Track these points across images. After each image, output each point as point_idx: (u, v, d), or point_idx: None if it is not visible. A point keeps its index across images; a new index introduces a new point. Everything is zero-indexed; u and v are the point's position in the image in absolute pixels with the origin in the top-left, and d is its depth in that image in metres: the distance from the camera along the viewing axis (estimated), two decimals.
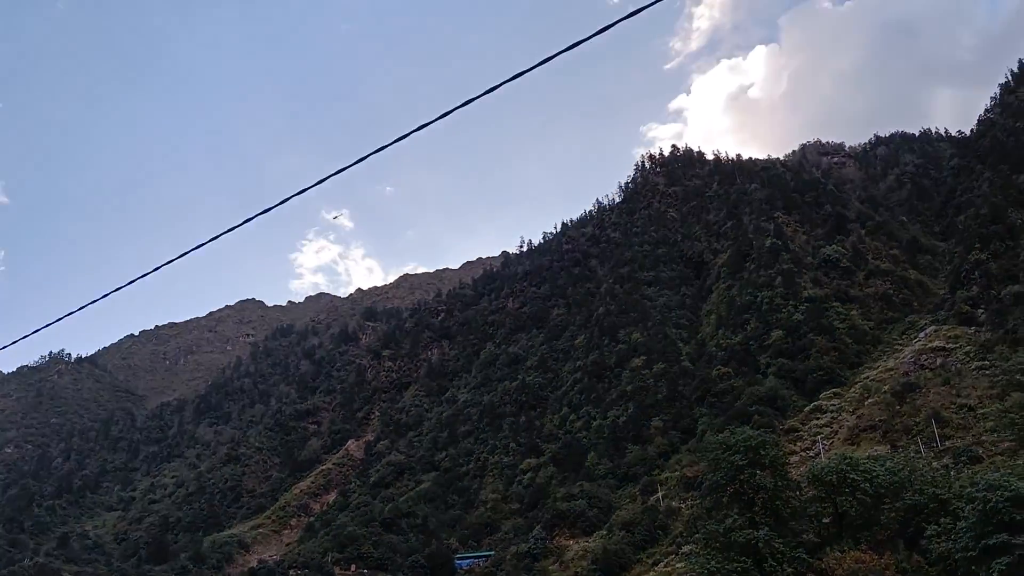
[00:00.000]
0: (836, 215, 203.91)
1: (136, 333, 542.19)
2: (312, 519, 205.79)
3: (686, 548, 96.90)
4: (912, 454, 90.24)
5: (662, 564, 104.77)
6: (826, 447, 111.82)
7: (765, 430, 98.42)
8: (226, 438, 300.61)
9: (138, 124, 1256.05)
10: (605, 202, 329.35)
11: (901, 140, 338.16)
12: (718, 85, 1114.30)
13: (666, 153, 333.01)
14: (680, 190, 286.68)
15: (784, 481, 70.63)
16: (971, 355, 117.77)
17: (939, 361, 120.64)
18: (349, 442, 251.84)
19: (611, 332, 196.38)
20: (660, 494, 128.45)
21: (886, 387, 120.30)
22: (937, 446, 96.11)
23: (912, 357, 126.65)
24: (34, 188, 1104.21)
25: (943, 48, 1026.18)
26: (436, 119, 13.78)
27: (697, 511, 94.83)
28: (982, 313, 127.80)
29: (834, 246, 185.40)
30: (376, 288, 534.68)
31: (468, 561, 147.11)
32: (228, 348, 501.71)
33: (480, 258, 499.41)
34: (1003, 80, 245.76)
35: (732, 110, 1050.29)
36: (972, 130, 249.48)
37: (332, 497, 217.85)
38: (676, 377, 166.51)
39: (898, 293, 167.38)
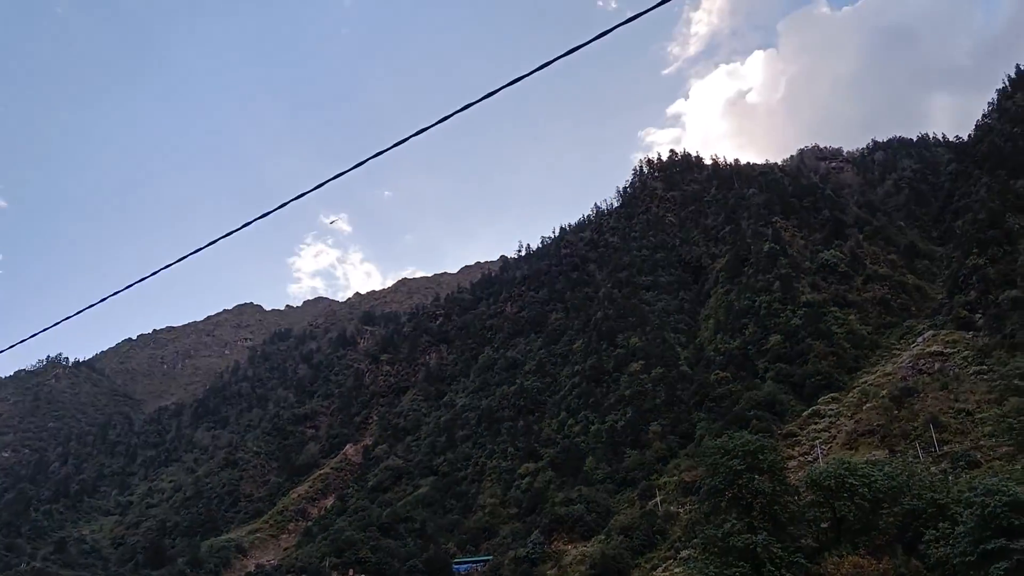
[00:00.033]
0: (834, 220, 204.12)
1: (134, 337, 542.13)
2: (310, 524, 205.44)
3: (684, 553, 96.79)
4: (910, 459, 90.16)
5: (660, 569, 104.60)
6: (824, 452, 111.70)
7: (763, 435, 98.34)
8: (224, 442, 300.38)
9: (136, 127, 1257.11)
10: (603, 207, 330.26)
11: (899, 145, 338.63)
12: (716, 90, 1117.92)
13: (664, 158, 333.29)
14: (678, 195, 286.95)
15: (782, 486, 70.53)
16: (969, 360, 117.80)
17: (937, 366, 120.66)
18: (347, 446, 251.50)
19: (609, 337, 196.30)
20: (658, 499, 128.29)
21: (884, 392, 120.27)
22: (935, 451, 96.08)
23: (910, 362, 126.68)
24: (32, 191, 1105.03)
25: (941, 53, 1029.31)
26: (435, 124, 13.80)
27: (695, 516, 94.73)
28: (980, 318, 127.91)
29: (832, 251, 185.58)
30: (374, 292, 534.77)
31: (466, 566, 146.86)
32: (226, 352, 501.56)
33: (478, 262, 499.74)
34: (1001, 85, 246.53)
35: (730, 115, 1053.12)
36: (970, 135, 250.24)
37: (330, 502, 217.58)
38: (674, 382, 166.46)
39: (896, 298, 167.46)
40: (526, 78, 13.01)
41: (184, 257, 16.95)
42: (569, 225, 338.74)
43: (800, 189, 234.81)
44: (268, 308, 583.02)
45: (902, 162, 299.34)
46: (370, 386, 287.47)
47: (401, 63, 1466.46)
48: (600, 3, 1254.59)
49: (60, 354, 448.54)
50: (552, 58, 12.74)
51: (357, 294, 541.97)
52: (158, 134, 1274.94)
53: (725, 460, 70.71)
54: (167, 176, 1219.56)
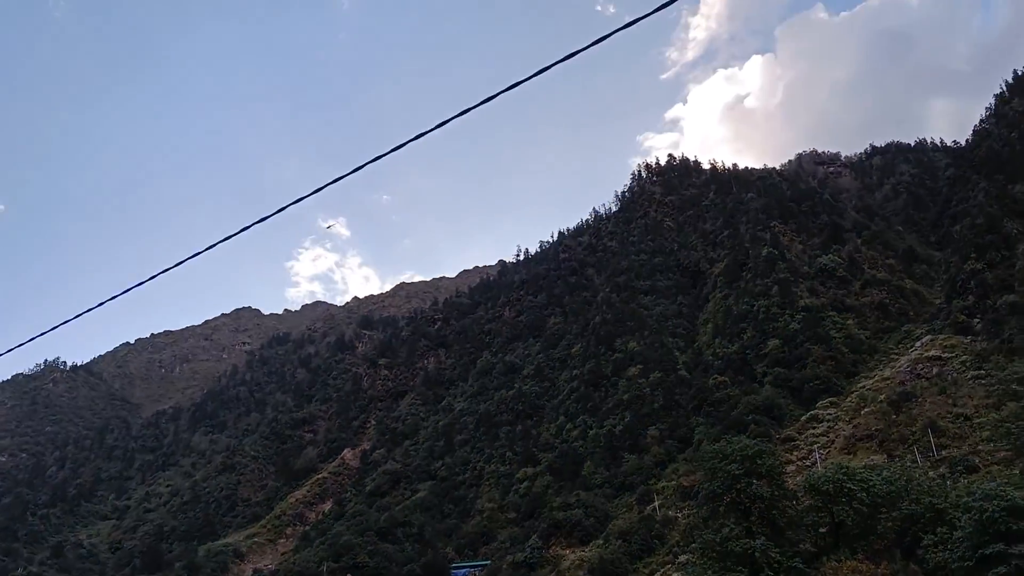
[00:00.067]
0: (832, 225, 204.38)
1: (132, 341, 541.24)
2: (307, 528, 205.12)
3: (683, 558, 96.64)
4: (909, 463, 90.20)
5: (659, 574, 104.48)
6: (823, 456, 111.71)
7: (762, 439, 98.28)
8: (221, 447, 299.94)
9: (134, 131, 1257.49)
10: (602, 211, 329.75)
11: (897, 150, 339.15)
12: (714, 95, 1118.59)
13: (662, 162, 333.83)
14: (676, 199, 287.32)
15: (781, 490, 70.55)
16: (967, 364, 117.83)
17: (935, 371, 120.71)
18: (345, 451, 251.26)
19: (608, 341, 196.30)
20: (657, 503, 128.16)
21: (882, 396, 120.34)
22: (933, 455, 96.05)
23: (908, 367, 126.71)
24: (30, 194, 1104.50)
25: (938, 59, 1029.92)
26: (433, 128, 13.79)
27: (694, 520, 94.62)
28: (978, 323, 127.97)
29: (830, 256, 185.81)
30: (372, 296, 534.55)
31: (464, 570, 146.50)
32: (224, 356, 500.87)
33: (477, 267, 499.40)
34: (998, 90, 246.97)
35: (728, 120, 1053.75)
36: (967, 140, 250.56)
37: (328, 506, 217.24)
38: (673, 386, 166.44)
39: (894, 303, 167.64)
40: (525, 83, 13.02)
41: (182, 261, 16.93)
42: (568, 230, 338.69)
43: (798, 194, 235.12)
44: (266, 312, 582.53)
45: (900, 167, 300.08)
46: (368, 390, 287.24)
47: (399, 68, 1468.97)
48: (599, 7, 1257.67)
49: (58, 358, 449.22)
50: (551, 63, 12.75)
51: (355, 298, 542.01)
52: (156, 138, 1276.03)
53: (723, 465, 70.73)
54: (165, 180, 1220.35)
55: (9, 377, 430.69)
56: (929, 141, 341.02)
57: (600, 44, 12.45)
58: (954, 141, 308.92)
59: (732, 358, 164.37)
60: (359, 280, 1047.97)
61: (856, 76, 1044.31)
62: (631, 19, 12.29)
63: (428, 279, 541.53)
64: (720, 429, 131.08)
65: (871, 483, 64.52)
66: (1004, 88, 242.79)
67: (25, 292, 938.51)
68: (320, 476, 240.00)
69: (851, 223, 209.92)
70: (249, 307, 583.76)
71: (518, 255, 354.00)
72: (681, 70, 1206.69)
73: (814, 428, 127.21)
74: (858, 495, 63.13)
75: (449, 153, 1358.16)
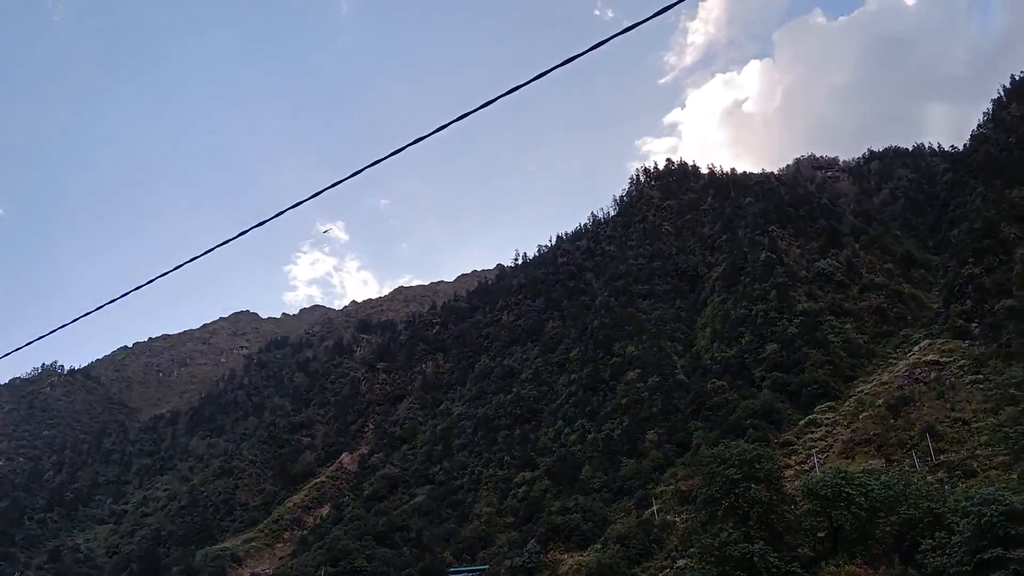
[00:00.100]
0: (830, 229, 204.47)
1: (129, 345, 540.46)
2: (305, 533, 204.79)
3: (681, 562, 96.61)
4: (907, 468, 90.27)
5: None
6: (821, 461, 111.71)
7: (760, 444, 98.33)
8: (219, 451, 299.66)
9: (133, 135, 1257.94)
10: (600, 215, 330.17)
11: (895, 155, 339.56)
12: (713, 99, 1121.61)
13: (661, 167, 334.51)
14: (675, 204, 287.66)
15: (779, 495, 70.48)
16: (965, 369, 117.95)
17: (933, 375, 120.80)
18: (343, 455, 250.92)
19: (606, 345, 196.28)
20: (655, 508, 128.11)
21: (881, 401, 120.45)
22: (932, 460, 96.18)
23: (906, 371, 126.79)
24: (28, 198, 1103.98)
25: (936, 63, 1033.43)
26: (432, 133, 13.81)
27: (692, 525, 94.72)
28: (976, 327, 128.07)
29: (828, 260, 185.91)
30: (371, 300, 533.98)
31: (462, 575, 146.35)
32: (222, 360, 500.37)
33: (475, 271, 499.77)
34: (995, 95, 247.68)
35: (726, 124, 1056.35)
36: (965, 145, 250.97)
37: (326, 510, 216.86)
38: (671, 390, 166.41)
39: (892, 307, 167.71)
40: (523, 87, 13.04)
41: (181, 265, 16.93)
42: (566, 234, 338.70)
43: (796, 198, 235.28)
44: (264, 316, 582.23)
45: (898, 171, 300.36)
46: (366, 394, 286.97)
47: (398, 71, 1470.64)
48: (597, 12, 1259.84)
49: (55, 362, 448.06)
50: (549, 68, 12.76)
51: (354, 302, 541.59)
52: (155, 141, 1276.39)
53: (722, 469, 70.67)
54: (163, 183, 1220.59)
55: (6, 381, 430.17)
56: (927, 146, 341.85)
57: (599, 48, 12.48)
58: (952, 146, 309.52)
59: (730, 362, 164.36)
60: (357, 284, 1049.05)
61: (854, 81, 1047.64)
62: (630, 24, 12.32)
63: (426, 283, 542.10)
64: (718, 433, 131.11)
65: (869, 488, 64.44)
66: (1002, 93, 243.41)
67: (23, 296, 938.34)
68: (318, 480, 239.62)
69: (849, 227, 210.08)
70: (247, 311, 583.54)
71: (516, 259, 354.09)
72: (680, 75, 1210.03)
73: (812, 432, 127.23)
74: (856, 500, 63.06)
75: (448, 157, 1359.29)
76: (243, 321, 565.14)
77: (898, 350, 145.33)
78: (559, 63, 12.71)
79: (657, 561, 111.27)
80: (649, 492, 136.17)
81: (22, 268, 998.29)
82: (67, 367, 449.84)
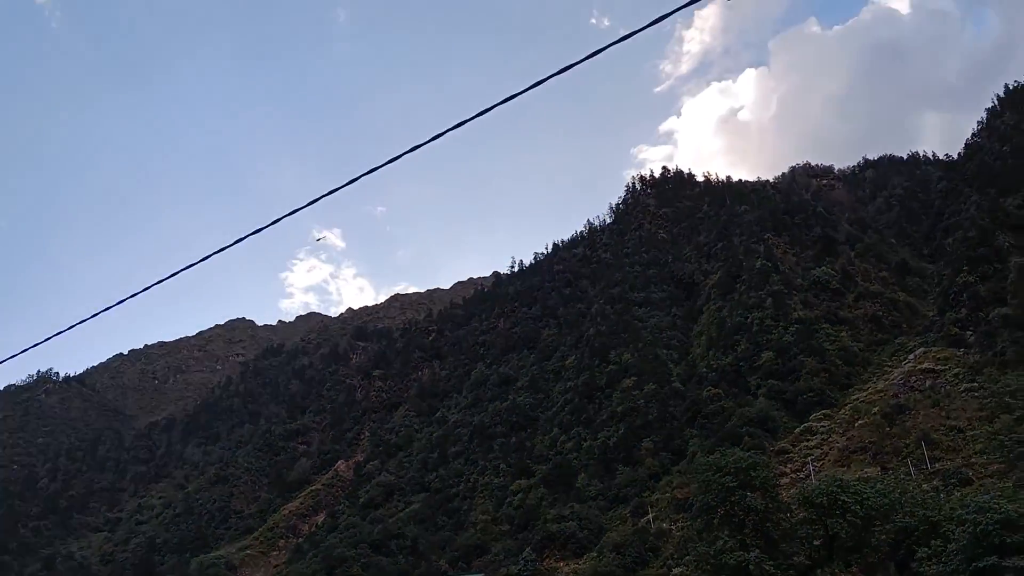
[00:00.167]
0: (825, 237, 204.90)
1: (125, 352, 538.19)
2: (301, 540, 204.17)
3: (677, 570, 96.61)
4: (902, 476, 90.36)
5: None
6: (816, 469, 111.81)
7: (755, 452, 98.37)
8: (215, 458, 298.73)
9: (129, 142, 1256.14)
10: (596, 223, 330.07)
11: (889, 163, 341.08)
12: (708, 108, 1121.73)
13: (657, 175, 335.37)
14: (671, 211, 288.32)
15: (775, 503, 70.55)
16: (960, 377, 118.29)
17: (928, 383, 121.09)
18: (339, 463, 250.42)
19: (602, 353, 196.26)
20: (651, 516, 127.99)
21: (876, 409, 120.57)
22: (927, 468, 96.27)
23: (902, 379, 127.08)
24: (23, 205, 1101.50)
25: (930, 72, 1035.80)
26: (428, 141, 13.87)
27: (688, 533, 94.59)
28: (971, 335, 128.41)
29: (824, 268, 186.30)
30: (367, 308, 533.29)
31: None
32: (218, 368, 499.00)
33: (471, 278, 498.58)
34: (989, 104, 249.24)
35: (722, 132, 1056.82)
36: (959, 153, 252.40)
37: (321, 518, 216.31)
38: (667, 398, 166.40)
39: (887, 315, 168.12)
40: (520, 95, 13.12)
41: (176, 272, 16.97)
42: (562, 241, 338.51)
43: (792, 206, 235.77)
44: (260, 323, 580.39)
45: (893, 180, 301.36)
46: (362, 402, 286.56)
47: (395, 79, 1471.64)
48: (593, 20, 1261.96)
49: (50, 369, 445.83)
50: (545, 76, 12.85)
51: (350, 309, 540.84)
52: (151, 148, 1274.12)
53: (717, 477, 70.74)
54: (160, 190, 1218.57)
55: (1, 388, 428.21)
56: (922, 154, 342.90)
57: (595, 57, 12.57)
58: (946, 154, 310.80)
59: (726, 370, 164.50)
60: (354, 291, 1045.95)
61: (849, 89, 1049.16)
62: (626, 32, 12.40)
63: (423, 290, 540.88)
64: (714, 441, 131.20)
65: (865, 496, 64.53)
66: (996, 102, 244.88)
67: (18, 303, 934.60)
68: (313, 488, 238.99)
69: (844, 236, 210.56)
70: (243, 318, 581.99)
71: (512, 267, 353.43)
72: (675, 83, 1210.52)
73: (808, 440, 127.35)
74: (852, 508, 63.13)
75: (444, 165, 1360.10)
76: (239, 328, 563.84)
77: (893, 358, 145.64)
78: (555, 71, 12.80)
79: (653, 569, 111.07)
80: (645, 500, 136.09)
81: (17, 275, 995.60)
82: (62, 374, 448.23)
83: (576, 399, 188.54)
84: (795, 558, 67.56)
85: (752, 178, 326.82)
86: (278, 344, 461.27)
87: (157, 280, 17.19)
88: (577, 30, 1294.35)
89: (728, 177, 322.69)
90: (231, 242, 16.16)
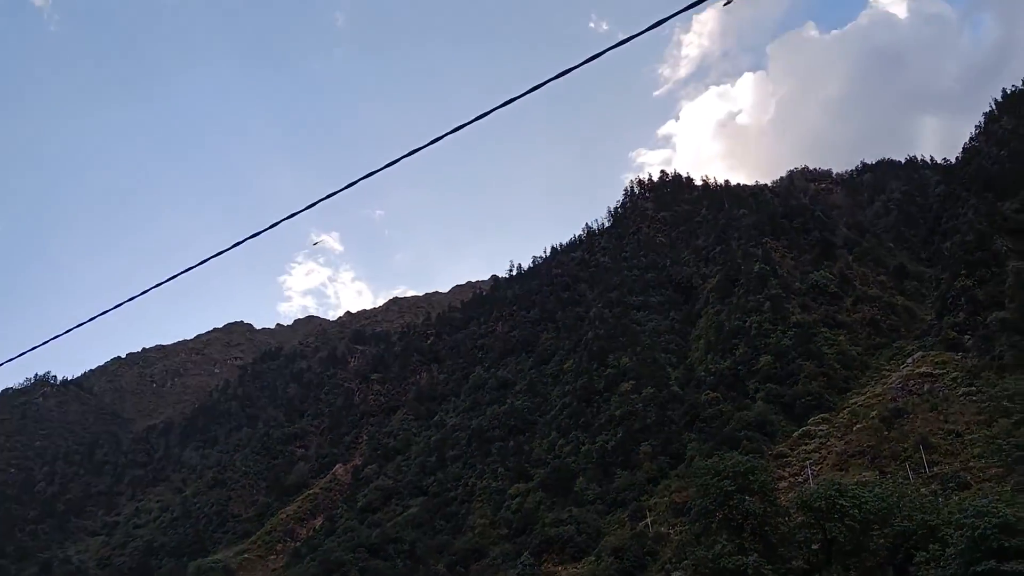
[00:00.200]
0: (824, 241, 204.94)
1: (122, 355, 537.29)
2: (298, 544, 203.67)
3: (675, 574, 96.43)
4: (900, 480, 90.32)
5: None
6: (815, 473, 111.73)
7: (754, 455, 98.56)
8: (212, 462, 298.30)
9: (126, 145, 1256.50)
10: (594, 227, 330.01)
11: (887, 167, 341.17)
12: (707, 111, 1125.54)
13: (655, 178, 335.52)
14: (669, 215, 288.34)
15: (773, 507, 70.58)
16: (958, 381, 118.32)
17: (927, 387, 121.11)
18: (336, 466, 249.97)
19: (600, 357, 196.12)
20: (649, 520, 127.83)
21: (874, 413, 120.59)
22: (925, 472, 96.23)
23: (900, 383, 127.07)
24: (21, 209, 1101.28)
25: (928, 77, 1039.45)
26: (426, 144, 13.87)
27: (686, 537, 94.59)
28: (969, 339, 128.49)
29: (822, 272, 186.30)
30: (365, 311, 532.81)
31: None
32: (216, 371, 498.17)
33: (470, 282, 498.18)
34: (987, 109, 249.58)
35: (720, 136, 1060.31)
36: (957, 158, 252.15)
37: (319, 522, 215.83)
38: (665, 402, 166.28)
39: (885, 319, 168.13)
40: (518, 99, 13.10)
41: (175, 276, 16.95)
42: (560, 245, 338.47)
43: (790, 210, 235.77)
44: (258, 327, 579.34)
45: (891, 184, 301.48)
46: (360, 406, 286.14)
47: (394, 83, 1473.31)
48: (592, 25, 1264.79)
49: (48, 372, 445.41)
50: (544, 80, 12.84)
51: (348, 313, 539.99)
52: (149, 152, 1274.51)
53: (716, 481, 70.75)
54: (157, 193, 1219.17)
55: None
56: (919, 158, 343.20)
57: (593, 61, 12.56)
58: (944, 159, 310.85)
59: (724, 374, 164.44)
60: (352, 295, 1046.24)
61: (847, 93, 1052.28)
62: (624, 37, 12.39)
63: (421, 294, 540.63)
64: (712, 445, 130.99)
65: (863, 500, 64.53)
66: (993, 106, 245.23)
67: (16, 306, 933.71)
68: (311, 492, 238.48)
69: (842, 239, 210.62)
70: (241, 322, 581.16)
71: (511, 270, 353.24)
72: (673, 87, 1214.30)
73: (806, 444, 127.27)
74: (850, 512, 63.14)
75: (443, 168, 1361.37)
76: (237, 332, 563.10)
77: (891, 362, 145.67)
78: (554, 75, 12.79)
79: (651, 573, 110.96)
80: (643, 504, 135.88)
81: (15, 279, 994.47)
82: (60, 377, 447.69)
83: (574, 403, 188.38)
84: (793, 562, 67.57)
85: (750, 182, 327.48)
86: (276, 348, 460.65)
87: (155, 284, 17.18)
88: (576, 34, 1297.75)
89: (726, 181, 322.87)
90: (229, 245, 16.15)
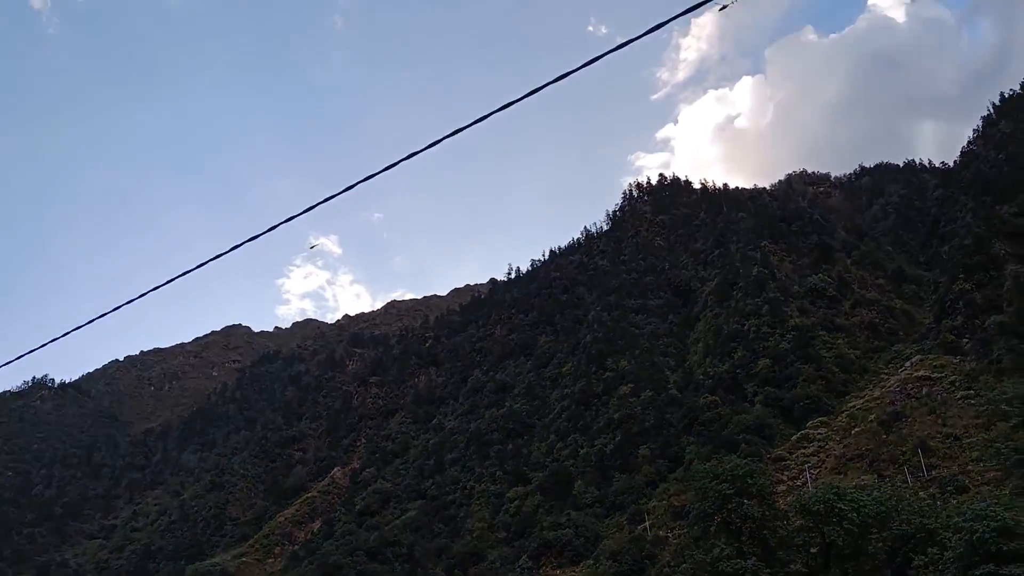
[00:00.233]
0: (822, 244, 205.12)
1: (121, 359, 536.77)
2: (296, 548, 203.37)
3: None
4: (899, 484, 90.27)
5: None
6: (813, 476, 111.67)
7: (752, 459, 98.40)
8: (210, 465, 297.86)
9: (125, 148, 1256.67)
10: (593, 230, 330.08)
11: (886, 171, 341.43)
12: (705, 115, 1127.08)
13: (654, 182, 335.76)
14: (667, 218, 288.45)
15: (771, 510, 70.56)
16: (956, 385, 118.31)
17: (925, 391, 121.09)
18: (335, 469, 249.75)
19: (598, 360, 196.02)
20: (647, 523, 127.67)
21: (873, 416, 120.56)
22: (924, 476, 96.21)
23: (898, 386, 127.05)
24: (19, 210, 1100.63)
25: (926, 81, 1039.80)
26: (425, 148, 13.86)
27: (684, 541, 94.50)
28: (967, 343, 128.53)
29: (820, 275, 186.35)
30: (363, 314, 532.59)
31: None
32: (214, 374, 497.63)
33: (468, 285, 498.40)
34: (985, 113, 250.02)
35: (719, 140, 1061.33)
36: (955, 161, 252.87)
37: (317, 525, 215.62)
38: (663, 405, 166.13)
39: (884, 322, 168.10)
40: (517, 103, 13.11)
41: (173, 279, 16.93)
42: (559, 248, 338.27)
43: (788, 214, 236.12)
44: (257, 330, 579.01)
45: (889, 187, 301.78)
46: (358, 409, 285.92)
47: (392, 86, 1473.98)
48: (590, 28, 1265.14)
49: (46, 375, 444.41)
50: (543, 83, 12.84)
51: (346, 316, 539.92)
52: (147, 154, 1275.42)
53: (714, 484, 70.73)
54: (155, 196, 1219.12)
55: None
56: (918, 162, 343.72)
57: (592, 65, 12.57)
58: (942, 162, 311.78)
59: (723, 377, 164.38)
60: (350, 298, 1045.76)
61: (845, 97, 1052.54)
62: (623, 40, 12.41)
63: (419, 297, 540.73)
64: (711, 448, 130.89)
65: (861, 503, 64.49)
66: (991, 110, 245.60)
67: (13, 309, 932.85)
68: (309, 495, 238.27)
69: (841, 243, 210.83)
70: (240, 325, 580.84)
71: (509, 273, 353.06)
72: (672, 90, 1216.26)
73: (805, 448, 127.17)
74: (849, 515, 63.09)
75: (442, 172, 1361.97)
76: (235, 335, 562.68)
77: (890, 365, 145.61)
78: (553, 79, 12.80)
79: None
80: (642, 507, 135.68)
81: (13, 281, 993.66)
82: (58, 381, 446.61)
83: (573, 406, 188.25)
84: (792, 566, 67.52)
85: (749, 185, 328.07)
86: (274, 351, 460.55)
87: (153, 286, 17.17)
88: (574, 38, 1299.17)
89: (725, 184, 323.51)
90: (228, 248, 16.14)
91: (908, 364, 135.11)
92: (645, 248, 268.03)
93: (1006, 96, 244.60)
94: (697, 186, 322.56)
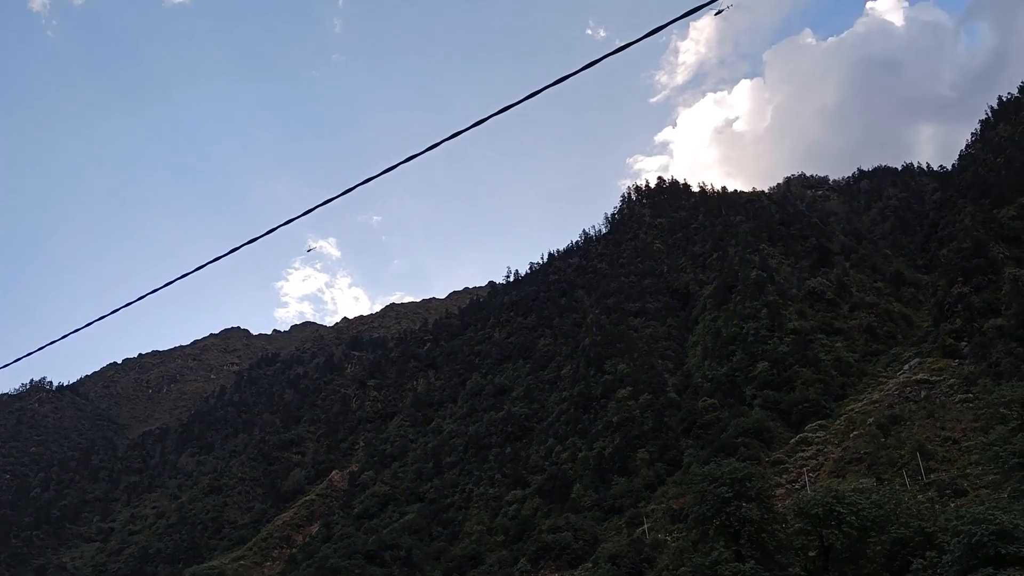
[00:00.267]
0: (820, 248, 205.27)
1: (119, 361, 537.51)
2: (295, 551, 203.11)
3: None
4: (897, 487, 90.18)
5: None
6: (812, 479, 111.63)
7: (751, 462, 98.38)
8: (208, 468, 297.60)
9: (123, 152, 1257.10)
10: (592, 233, 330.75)
11: (884, 174, 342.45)
12: (703, 118, 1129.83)
13: (652, 185, 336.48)
14: (666, 222, 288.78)
15: (770, 514, 70.45)
16: (955, 388, 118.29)
17: (923, 394, 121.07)
18: (333, 473, 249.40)
19: (597, 363, 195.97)
20: (646, 526, 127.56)
21: (871, 419, 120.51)
22: (922, 479, 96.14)
23: (897, 389, 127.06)
24: (17, 213, 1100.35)
25: (924, 84, 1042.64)
26: (424, 151, 13.87)
27: (683, 544, 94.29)
28: (965, 346, 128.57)
29: (819, 278, 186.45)
30: (362, 317, 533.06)
31: None
32: (212, 377, 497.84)
33: (467, 288, 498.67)
34: (983, 116, 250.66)
35: (717, 143, 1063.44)
36: (954, 165, 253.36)
37: (315, 528, 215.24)
38: (662, 408, 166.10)
39: (882, 325, 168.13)
40: (516, 106, 13.12)
41: (172, 282, 16.92)
42: (557, 251, 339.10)
43: (787, 217, 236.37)
44: (255, 333, 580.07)
45: (887, 191, 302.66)
46: (357, 411, 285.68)
47: (391, 89, 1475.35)
48: (589, 32, 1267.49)
49: (44, 378, 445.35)
50: (542, 87, 12.85)
51: (345, 319, 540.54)
52: (145, 157, 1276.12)
53: (713, 487, 70.64)
54: (154, 199, 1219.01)
55: None
56: (916, 165, 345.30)
57: (591, 68, 12.58)
58: (940, 165, 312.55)
59: (721, 380, 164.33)
60: (349, 301, 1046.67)
61: (844, 101, 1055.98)
62: (622, 44, 12.42)
63: (418, 300, 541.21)
64: (709, 452, 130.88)
65: (860, 506, 64.45)
66: (989, 113, 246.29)
67: (12, 311, 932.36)
68: (308, 498, 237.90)
69: (839, 246, 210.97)
70: (238, 327, 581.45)
71: (508, 277, 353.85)
72: (671, 94, 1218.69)
73: (803, 451, 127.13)
74: (847, 519, 63.04)
75: (440, 175, 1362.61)
76: (234, 337, 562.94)
77: (888, 368, 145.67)
78: (552, 82, 12.81)
79: None
80: (640, 510, 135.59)
81: (10, 284, 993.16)
82: (56, 383, 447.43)
83: (571, 409, 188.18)
84: (790, 569, 67.41)
85: (747, 188, 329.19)
86: (273, 353, 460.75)
87: (152, 289, 17.15)
88: (573, 41, 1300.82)
89: (723, 187, 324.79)
90: (226, 251, 16.13)
91: (906, 367, 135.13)
92: (644, 251, 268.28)
93: (1004, 99, 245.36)
94: (696, 189, 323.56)
